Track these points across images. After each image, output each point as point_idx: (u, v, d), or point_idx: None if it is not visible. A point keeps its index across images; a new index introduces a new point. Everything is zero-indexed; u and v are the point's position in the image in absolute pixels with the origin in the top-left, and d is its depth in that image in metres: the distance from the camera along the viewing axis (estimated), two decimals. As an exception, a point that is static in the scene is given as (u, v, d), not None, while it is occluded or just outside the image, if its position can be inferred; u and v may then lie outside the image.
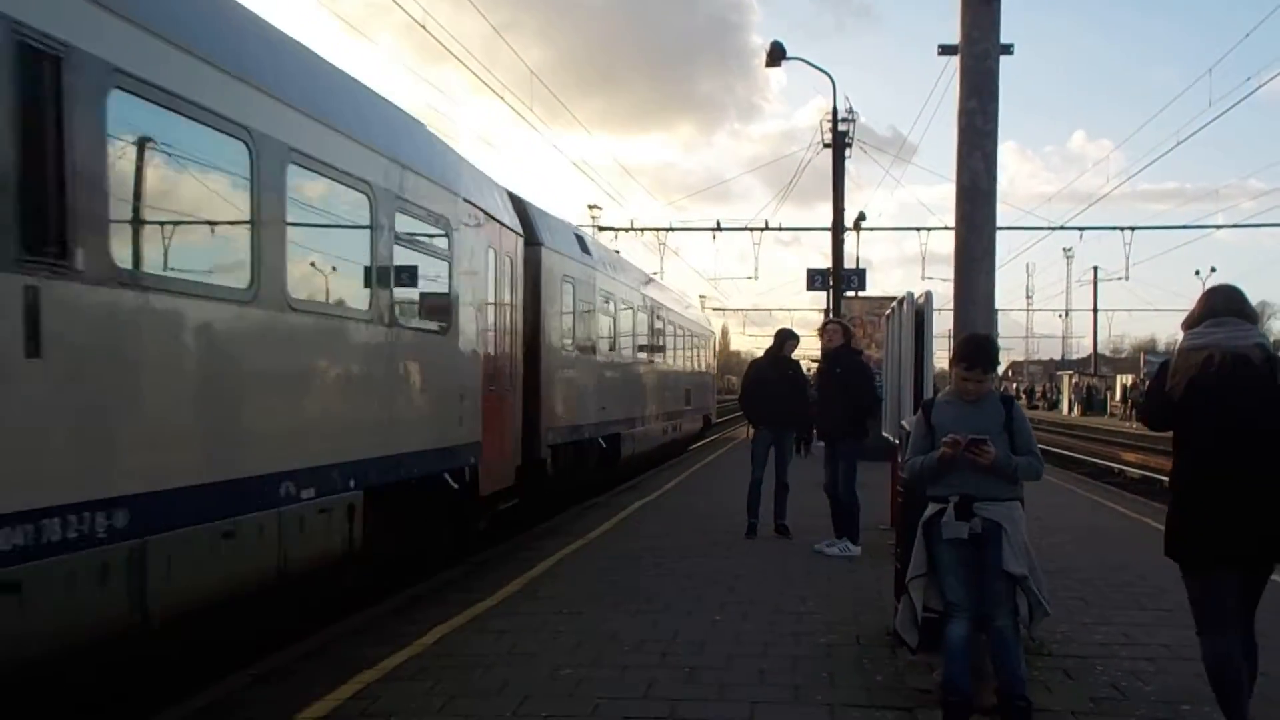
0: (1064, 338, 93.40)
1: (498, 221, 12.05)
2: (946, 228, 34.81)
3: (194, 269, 6.29)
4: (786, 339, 12.00)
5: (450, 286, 10.27)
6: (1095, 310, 77.33)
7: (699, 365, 31.09)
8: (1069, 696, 5.79)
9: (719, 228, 38.32)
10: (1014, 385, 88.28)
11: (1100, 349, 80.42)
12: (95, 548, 5.12)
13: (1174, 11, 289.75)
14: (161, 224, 5.97)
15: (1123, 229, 41.18)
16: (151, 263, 5.86)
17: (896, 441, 8.64)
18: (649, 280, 24.53)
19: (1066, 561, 9.63)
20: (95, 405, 5.27)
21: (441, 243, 10.10)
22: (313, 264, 7.80)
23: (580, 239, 17.54)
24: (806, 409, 11.69)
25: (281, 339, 7.09)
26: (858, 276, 29.02)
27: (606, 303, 18.17)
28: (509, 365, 12.55)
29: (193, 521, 5.94)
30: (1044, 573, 5.29)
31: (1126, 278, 77.09)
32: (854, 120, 28.06)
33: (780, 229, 38.54)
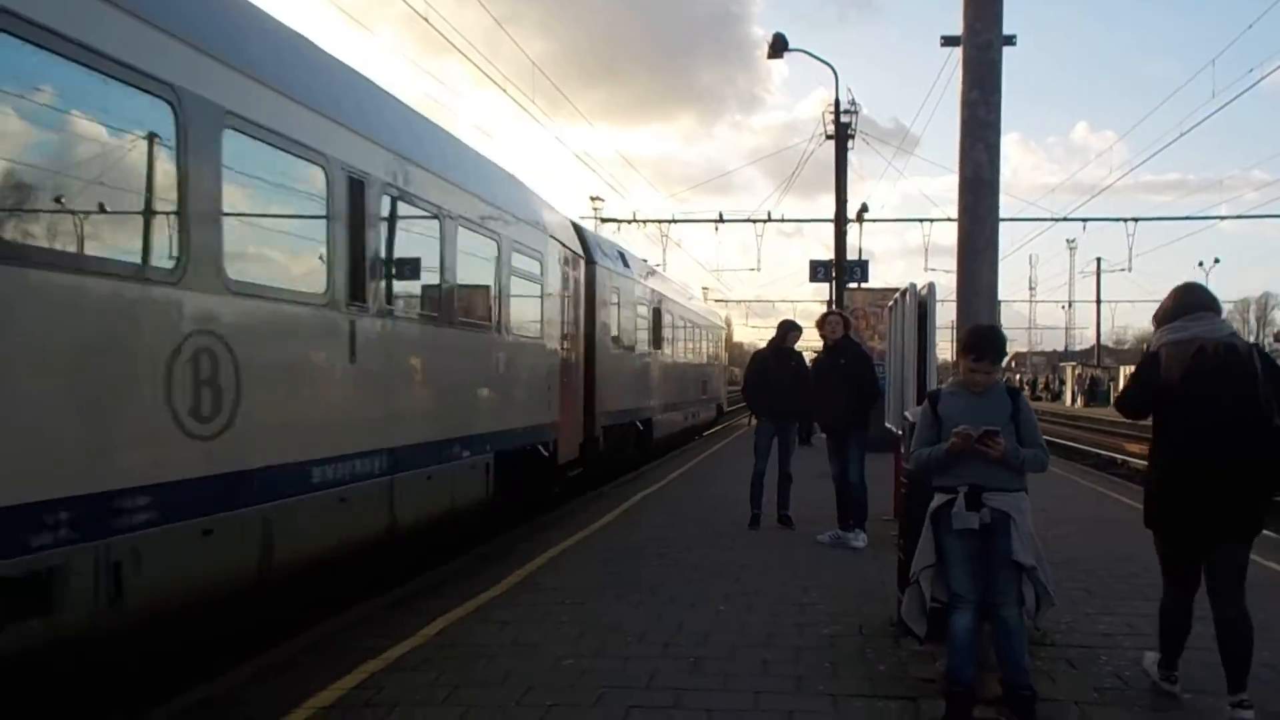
0: (1067, 329, 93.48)
1: (568, 248, 15.39)
2: (949, 219, 34.80)
3: (435, 309, 9.98)
4: (789, 330, 12.00)
5: (541, 302, 13.56)
6: (1099, 301, 77.31)
7: (713, 358, 34.11)
8: (1073, 686, 5.80)
9: (721, 219, 38.33)
10: (1017, 377, 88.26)
11: (1103, 340, 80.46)
12: (372, 479, 8.46)
13: (1176, 2, 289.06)
14: (412, 281, 9.68)
15: (1126, 220, 41.26)
16: (408, 305, 9.49)
17: (900, 433, 8.65)
18: (673, 285, 27.97)
19: (1070, 552, 9.63)
20: (385, 390, 8.78)
21: (536, 269, 13.30)
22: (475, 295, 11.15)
23: (622, 254, 20.60)
24: (809, 400, 11.71)
25: (467, 350, 10.85)
26: (860, 268, 28.98)
27: (641, 306, 21.17)
28: (575, 361, 15.60)
29: (418, 466, 9.32)
30: (1049, 563, 5.29)
31: (1130, 269, 77.09)
32: (856, 112, 28.06)
33: (783, 220, 38.60)
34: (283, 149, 7.27)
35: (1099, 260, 74.67)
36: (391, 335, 8.96)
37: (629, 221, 39.01)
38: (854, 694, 5.62)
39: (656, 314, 23.00)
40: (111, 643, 5.57)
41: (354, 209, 8.21)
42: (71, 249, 5.39)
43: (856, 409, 10.64)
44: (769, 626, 7.09)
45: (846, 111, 27.47)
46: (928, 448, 5.33)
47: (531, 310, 13.27)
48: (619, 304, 18.98)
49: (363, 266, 8.35)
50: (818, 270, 29.73)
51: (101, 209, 5.70)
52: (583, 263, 16.54)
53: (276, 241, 7.76)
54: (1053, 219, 42.03)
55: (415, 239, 9.64)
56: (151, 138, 5.94)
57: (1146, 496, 5.52)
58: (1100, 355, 79.60)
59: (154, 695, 5.89)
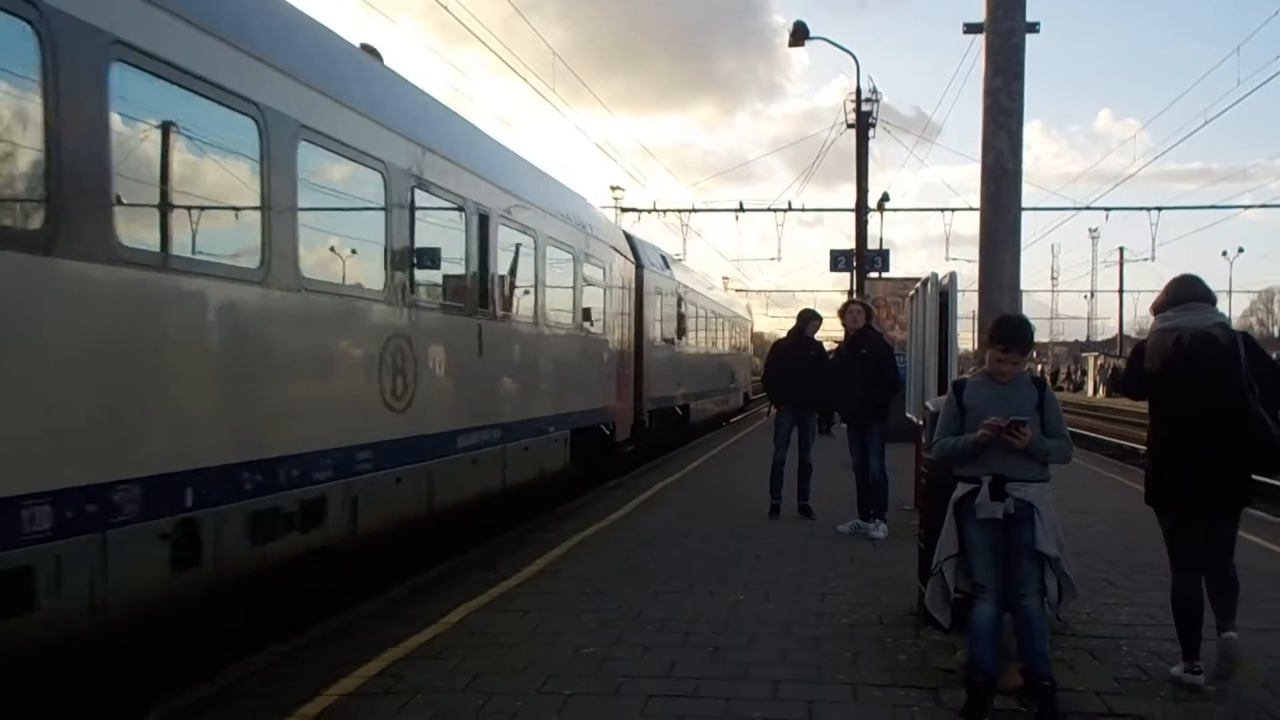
0: (1089, 319, 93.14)
1: (622, 255, 17.83)
2: (971, 209, 34.59)
3: (532, 313, 12.37)
4: (809, 320, 11.98)
5: (603, 303, 16.09)
6: (1121, 291, 76.91)
7: (739, 349, 36.27)
8: (1093, 677, 5.78)
9: (742, 209, 38.20)
10: (1039, 367, 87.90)
11: (1126, 330, 79.84)
12: (491, 447, 10.76)
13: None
14: (517, 290, 11.91)
15: (1149, 209, 40.83)
16: (516, 310, 11.81)
17: (921, 423, 8.62)
18: (704, 283, 30.23)
19: (1092, 542, 9.59)
20: (500, 377, 11.22)
21: (599, 276, 15.79)
22: (539, 292, 12.80)
23: (664, 257, 23.04)
24: (829, 390, 11.70)
25: (553, 346, 13.31)
26: (881, 257, 28.91)
27: (679, 304, 23.30)
28: (627, 354, 17.97)
29: (520, 438, 11.69)
30: (1071, 554, 5.27)
31: (1153, 258, 76.44)
32: (877, 100, 27.98)
33: (803, 210, 38.35)
34: (448, 199, 9.87)
35: (1121, 250, 74.34)
36: (505, 334, 11.47)
37: (649, 211, 38.92)
38: (874, 684, 5.62)
39: (691, 310, 25.14)
40: (353, 553, 8.00)
41: (481, 238, 10.58)
42: (347, 280, 8.14)
43: (876, 399, 10.63)
44: (788, 616, 7.09)
45: (868, 100, 27.39)
46: (952, 437, 5.31)
47: (597, 310, 15.73)
48: (661, 302, 21.19)
49: (488, 280, 10.80)
50: (839, 260, 29.64)
51: (354, 254, 8.36)
52: (633, 267, 18.80)
53: (441, 267, 10.07)
54: (1075, 208, 41.81)
55: (520, 257, 12.06)
56: (383, 204, 8.53)
57: (1146, 476, 5.96)
58: (1123, 345, 79.10)
59: (176, 682, 5.93)
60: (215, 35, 6.24)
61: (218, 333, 6.38)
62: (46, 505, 4.88)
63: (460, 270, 10.21)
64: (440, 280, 10.03)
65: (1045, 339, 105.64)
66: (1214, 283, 6.00)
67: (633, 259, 18.80)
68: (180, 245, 6.05)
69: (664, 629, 6.74)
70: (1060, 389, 74.48)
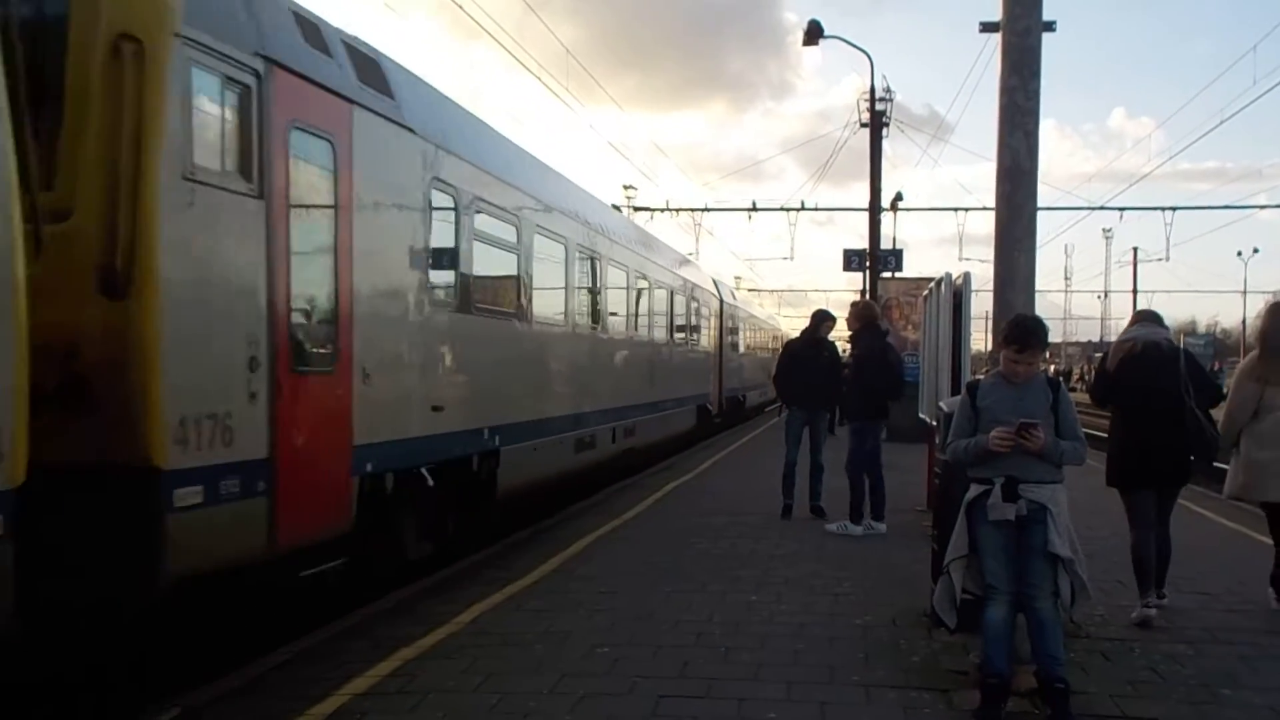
0: (1103, 319, 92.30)
1: (710, 292, 26.74)
2: (985, 208, 34.45)
3: (667, 333, 20.34)
4: (822, 320, 11.96)
5: (704, 326, 25.15)
6: (1135, 291, 76.32)
7: (775, 352, 39.00)
8: (1106, 679, 5.76)
9: (754, 208, 38.06)
10: (1051, 367, 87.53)
11: (1139, 331, 79.34)
12: (658, 414, 18.90)
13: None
14: (680, 328, 21.83)
15: (1163, 209, 40.59)
16: (679, 336, 21.84)
17: (934, 423, 8.60)
18: (754, 304, 44.33)
19: (1104, 544, 9.54)
20: (676, 374, 21.16)
21: (700, 309, 24.48)
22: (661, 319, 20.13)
23: (732, 291, 34.84)
24: (841, 390, 11.71)
25: (685, 353, 22.65)
26: (895, 257, 28.81)
27: (739, 321, 32.95)
28: (715, 358, 26.76)
29: (672, 409, 20.20)
30: (1084, 555, 5.25)
31: (1167, 258, 75.96)
32: (891, 99, 27.86)
33: (816, 209, 38.40)
34: (619, 269, 16.15)
35: (1136, 250, 73.85)
36: (675, 351, 21.23)
37: (662, 210, 38.86)
38: (887, 685, 5.60)
39: (745, 326, 34.91)
40: (629, 458, 16.66)
41: (653, 298, 18.95)
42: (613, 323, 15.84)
43: (860, 400, 10.86)
44: (801, 616, 7.08)
45: (881, 99, 27.28)
46: (965, 439, 5.29)
47: (702, 332, 25.02)
48: (729, 322, 30.06)
49: (671, 323, 20.43)
50: (852, 259, 29.57)
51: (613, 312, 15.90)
52: (717, 300, 27.70)
53: (595, 302, 14.79)
54: (1089, 208, 41.51)
55: (675, 307, 21.12)
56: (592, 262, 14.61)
57: (1108, 458, 7.41)
58: (1136, 346, 78.62)
59: (190, 679, 5.94)
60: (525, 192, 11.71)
61: (586, 350, 14.22)
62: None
63: (662, 319, 19.86)
64: (652, 320, 18.75)
65: (1059, 339, 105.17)
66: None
67: (716, 293, 27.90)
68: (567, 312, 13.29)
69: (676, 629, 6.74)
70: (1074, 389, 74.09)
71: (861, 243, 28.62)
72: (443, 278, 9.17)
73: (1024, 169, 6.84)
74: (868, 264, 27.63)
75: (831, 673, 5.82)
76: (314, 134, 6.90)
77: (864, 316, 11.40)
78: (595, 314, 14.45)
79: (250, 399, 6.16)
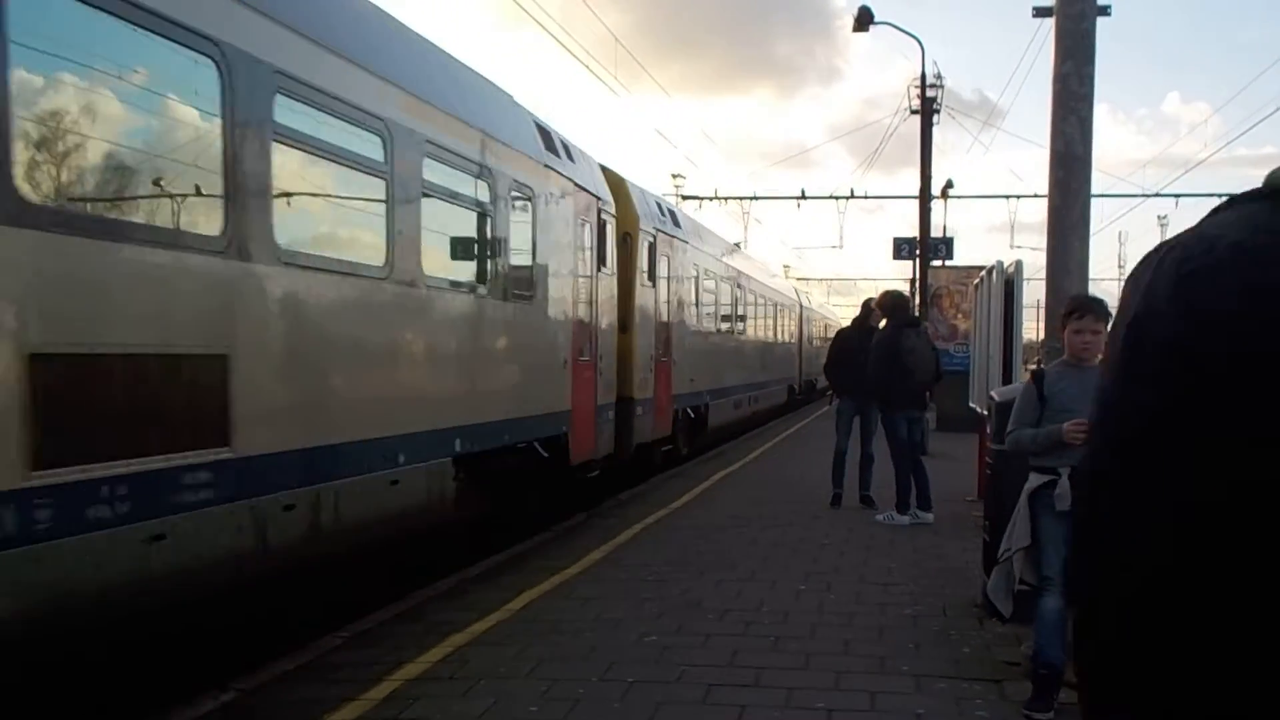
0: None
1: (794, 300, 35.36)
2: (1037, 195, 34.03)
3: (762, 333, 27.70)
4: (873, 309, 11.90)
5: (789, 326, 33.44)
6: (1191, 279, 75.18)
7: None
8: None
9: (804, 196, 37.87)
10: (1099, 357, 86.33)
11: (1196, 319, 78.08)
12: (752, 391, 25.48)
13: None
14: (762, 320, 27.90)
15: (1220, 196, 39.55)
16: (766, 332, 28.26)
17: (985, 413, 8.53)
18: (819, 303, 53.29)
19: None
20: (773, 362, 29.32)
21: (787, 314, 32.64)
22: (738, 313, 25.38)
23: (808, 296, 43.98)
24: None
25: (778, 349, 30.79)
26: (945, 245, 28.56)
27: (812, 321, 41.14)
28: (798, 349, 35.14)
29: (767, 387, 27.42)
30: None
31: (1224, 246, 74.58)
32: (941, 86, 27.59)
33: (865, 197, 37.91)
34: (754, 296, 26.19)
35: (1192, 237, 72.61)
36: (773, 346, 29.00)
37: (710, 199, 38.77)
38: (937, 675, 5.58)
39: (815, 322, 42.98)
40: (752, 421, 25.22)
41: (787, 317, 31.92)
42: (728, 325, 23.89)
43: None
44: (850, 606, 7.07)
45: (932, 85, 27.02)
46: (1030, 429, 5.23)
47: (788, 330, 32.87)
48: (808, 321, 38.66)
49: (761, 321, 27.66)
50: (901, 248, 29.36)
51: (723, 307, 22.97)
52: (797, 306, 35.87)
53: (744, 316, 24.69)
54: (1144, 195, 40.90)
55: (766, 309, 27.94)
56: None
57: None
58: (1193, 334, 77.44)
59: (247, 661, 6.04)
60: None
61: (740, 348, 23.93)
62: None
63: (770, 323, 28.06)
64: (765, 325, 27.19)
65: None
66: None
67: (797, 300, 36.11)
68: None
69: (725, 618, 6.75)
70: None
71: (911, 230, 28.41)
72: (698, 312, 18.68)
73: (1077, 155, 6.77)
74: (918, 252, 27.40)
75: (881, 662, 5.80)
76: (661, 252, 15.57)
77: (881, 305, 11.46)
78: (744, 324, 24.31)
79: (651, 372, 14.72)
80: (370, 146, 7.20)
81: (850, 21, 24.95)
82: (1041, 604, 5.10)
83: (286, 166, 6.32)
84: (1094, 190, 7.24)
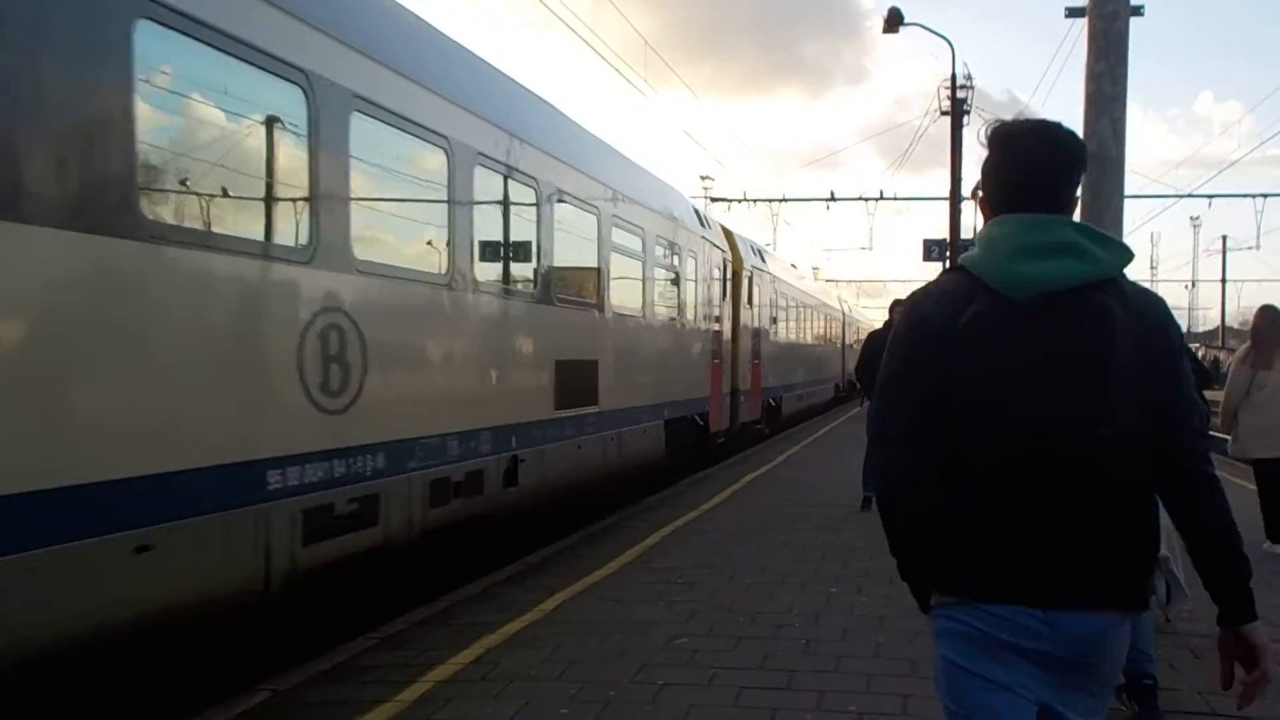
0: (1190, 309, 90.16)
1: (839, 310, 41.05)
2: (1069, 196, 33.71)
3: (819, 340, 34.54)
4: (902, 311, 11.98)
5: (836, 332, 38.69)
6: (1224, 281, 74.59)
7: None
8: (1195, 676, 5.64)
9: (833, 198, 37.86)
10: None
11: (1228, 321, 77.39)
12: (816, 385, 33.30)
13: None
14: (813, 335, 33.13)
15: (1254, 196, 39.55)
16: (816, 337, 33.57)
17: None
18: (859, 309, 59.67)
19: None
20: (820, 364, 34.29)
21: (836, 322, 38.98)
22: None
23: (849, 304, 51.41)
24: None
25: (829, 350, 37.24)
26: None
27: (854, 327, 45.09)
28: (841, 352, 39.04)
29: (820, 384, 33.43)
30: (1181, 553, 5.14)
31: (1258, 247, 74.15)
32: (971, 87, 27.44)
33: (895, 199, 37.87)
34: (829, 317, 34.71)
35: (1225, 238, 72.12)
36: (821, 349, 33.90)
37: (739, 201, 38.80)
38: (969, 679, 5.53)
39: (858, 329, 46.12)
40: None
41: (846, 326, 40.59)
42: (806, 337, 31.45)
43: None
44: (881, 609, 7.03)
45: (962, 86, 26.90)
46: None
47: (835, 336, 37.74)
48: (845, 325, 42.06)
49: (816, 328, 32.74)
50: (932, 249, 29.24)
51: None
52: (841, 314, 38.52)
53: (807, 328, 30.86)
54: (1176, 195, 40.61)
55: (819, 319, 32.87)
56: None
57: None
58: (1225, 337, 76.74)
59: (280, 662, 6.08)
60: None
61: (800, 353, 29.09)
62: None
63: (823, 330, 34.22)
64: (818, 331, 32.97)
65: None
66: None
67: (841, 309, 41.17)
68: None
69: (756, 621, 6.74)
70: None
71: (941, 231, 28.25)
72: (779, 329, 24.00)
73: (1110, 156, 6.72)
74: (948, 253, 27.26)
75: (913, 666, 5.77)
76: (755, 283, 20.77)
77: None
78: (805, 333, 28.63)
79: (749, 370, 20.04)
80: (634, 241, 12.78)
81: (879, 22, 24.97)
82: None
83: (559, 231, 10.13)
84: (1126, 190, 7.19)
